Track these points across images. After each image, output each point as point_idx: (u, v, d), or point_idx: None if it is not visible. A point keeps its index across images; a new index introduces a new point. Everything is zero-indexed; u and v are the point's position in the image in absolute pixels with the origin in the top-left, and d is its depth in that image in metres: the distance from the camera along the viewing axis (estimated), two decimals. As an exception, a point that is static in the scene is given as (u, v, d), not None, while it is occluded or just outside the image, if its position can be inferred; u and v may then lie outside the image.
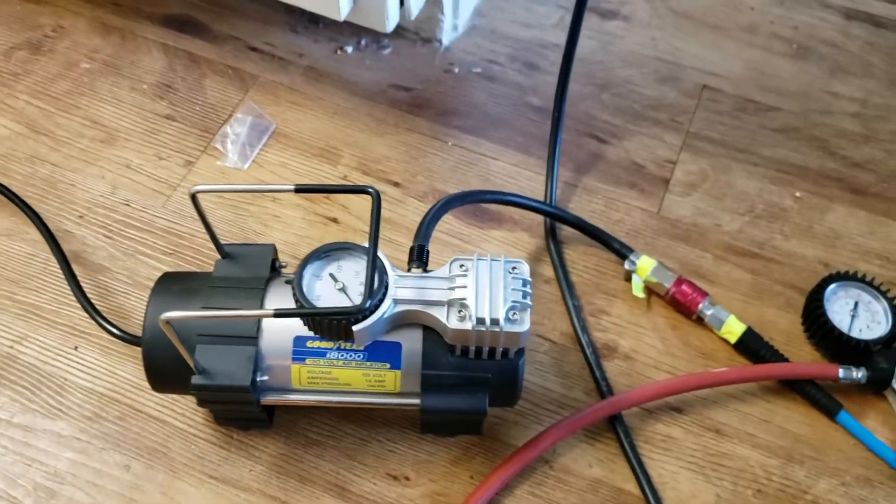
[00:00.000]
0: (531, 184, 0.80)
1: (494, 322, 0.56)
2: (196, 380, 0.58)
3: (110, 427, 0.67)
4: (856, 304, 0.70)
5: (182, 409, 0.68)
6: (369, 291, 0.52)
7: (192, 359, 0.57)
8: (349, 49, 0.88)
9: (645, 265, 0.73)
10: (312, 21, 0.89)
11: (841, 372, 0.67)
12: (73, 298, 0.71)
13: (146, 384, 0.68)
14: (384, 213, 0.76)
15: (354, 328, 0.56)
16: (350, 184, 0.55)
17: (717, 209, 0.79)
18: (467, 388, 0.60)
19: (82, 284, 0.73)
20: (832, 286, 0.70)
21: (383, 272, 0.57)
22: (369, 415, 0.68)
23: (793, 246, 0.77)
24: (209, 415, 0.67)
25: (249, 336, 0.59)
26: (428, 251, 0.62)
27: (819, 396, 0.68)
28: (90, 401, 0.68)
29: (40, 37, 0.88)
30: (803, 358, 0.71)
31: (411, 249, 0.62)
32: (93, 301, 0.71)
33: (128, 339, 0.67)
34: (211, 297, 0.60)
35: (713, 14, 0.92)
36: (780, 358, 0.70)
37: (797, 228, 0.78)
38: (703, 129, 0.84)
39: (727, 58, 0.88)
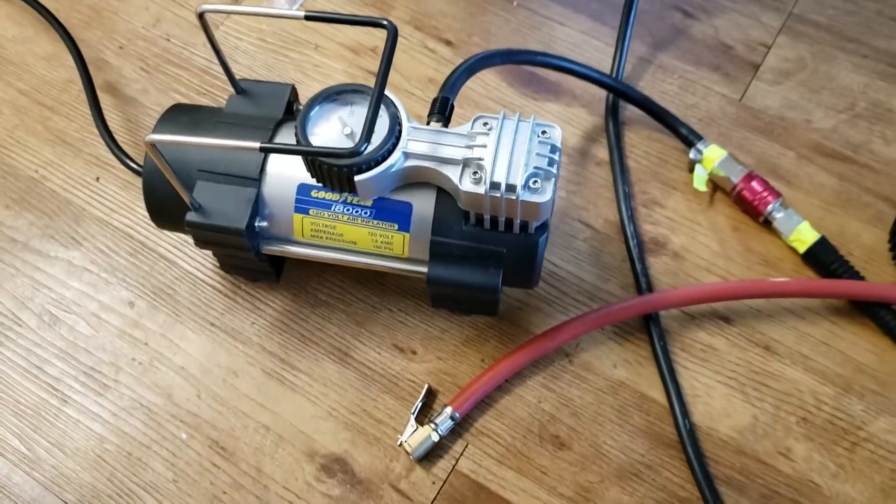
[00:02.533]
0: (599, 55, 0.71)
1: (511, 188, 0.50)
2: (191, 216, 0.54)
3: (120, 262, 0.65)
4: (956, 224, 0.60)
5: (193, 254, 0.65)
6: (367, 134, 0.46)
7: (188, 194, 0.53)
8: None
9: (713, 155, 0.64)
10: None
11: (923, 299, 0.58)
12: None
13: (159, 222, 0.66)
14: (430, 72, 0.69)
15: (357, 178, 0.50)
16: (364, 16, 0.48)
17: (811, 103, 0.68)
18: (480, 261, 0.54)
19: (112, 116, 0.70)
20: (931, 201, 0.60)
21: (396, 121, 0.51)
22: (383, 282, 0.63)
23: (893, 153, 0.66)
24: (220, 266, 0.64)
25: (251, 177, 0.55)
26: (453, 105, 0.55)
27: (891, 321, 0.59)
28: (105, 233, 0.66)
29: None
30: (884, 280, 0.62)
31: (433, 101, 0.55)
32: (119, 134, 0.68)
33: (140, 172, 0.64)
34: (214, 131, 0.55)
35: None
36: (856, 276, 0.61)
37: (903, 134, 0.67)
38: (810, 10, 0.72)
39: (854, -68, 0.76)
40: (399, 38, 0.72)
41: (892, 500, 0.55)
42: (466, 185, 0.50)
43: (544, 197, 0.50)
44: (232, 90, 0.58)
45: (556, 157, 0.51)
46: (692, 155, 0.65)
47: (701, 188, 0.65)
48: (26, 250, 0.66)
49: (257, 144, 0.46)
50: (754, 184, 0.63)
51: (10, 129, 0.70)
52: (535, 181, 0.50)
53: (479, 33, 0.73)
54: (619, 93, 0.67)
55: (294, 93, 0.58)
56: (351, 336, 0.62)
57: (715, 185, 0.65)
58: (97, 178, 0.68)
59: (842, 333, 0.60)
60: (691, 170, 0.66)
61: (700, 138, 0.65)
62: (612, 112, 0.68)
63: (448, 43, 0.72)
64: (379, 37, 0.72)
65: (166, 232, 0.66)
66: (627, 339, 0.61)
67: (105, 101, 0.71)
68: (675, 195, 0.66)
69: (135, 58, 0.73)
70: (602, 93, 0.69)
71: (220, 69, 0.71)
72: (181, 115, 0.58)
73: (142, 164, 0.65)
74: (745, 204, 0.63)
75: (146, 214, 0.66)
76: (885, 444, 0.57)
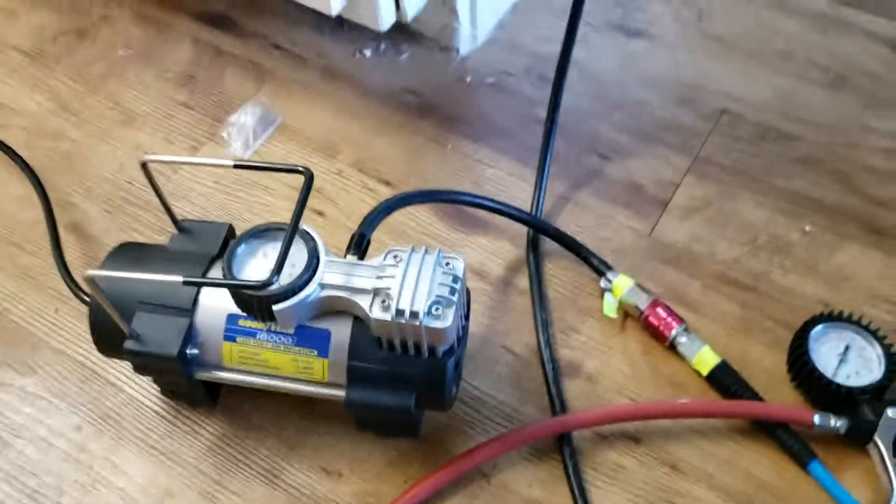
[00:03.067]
0: (523, 195, 0.77)
1: (414, 315, 0.54)
2: (128, 344, 0.59)
3: (72, 388, 0.69)
4: (847, 347, 0.64)
5: (140, 381, 0.69)
6: (277, 268, 0.51)
7: (126, 324, 0.58)
8: (367, 52, 0.89)
9: (621, 284, 0.69)
10: (337, 23, 0.90)
11: (817, 418, 0.62)
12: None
13: (106, 351, 0.70)
14: (367, 207, 0.75)
15: (275, 307, 0.55)
16: (285, 164, 0.55)
17: (716, 237, 0.74)
18: (394, 384, 0.58)
19: (73, 252, 0.76)
20: (821, 326, 0.65)
21: (314, 255, 0.57)
22: (312, 406, 0.67)
23: (792, 282, 0.71)
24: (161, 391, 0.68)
25: (184, 308, 0.60)
26: (369, 240, 0.61)
27: (791, 442, 0.62)
28: (59, 361, 0.71)
29: (87, 24, 0.93)
30: (784, 401, 0.66)
31: (351, 237, 0.61)
32: (77, 268, 0.74)
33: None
34: (155, 267, 0.61)
35: (747, 38, 0.87)
36: (754, 397, 0.65)
37: (800, 264, 0.72)
38: (716, 154, 0.79)
39: (754, 83, 0.84)
40: (342, 179, 0.80)
41: None
42: (376, 312, 0.55)
43: (445, 323, 0.55)
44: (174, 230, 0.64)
45: (457, 286, 0.56)
46: (603, 284, 0.70)
47: (611, 315, 0.70)
48: (-16, 378, 0.70)
49: (180, 279, 0.52)
50: (659, 309, 0.68)
51: (-21, 266, 0.76)
52: (437, 308, 0.55)
53: (417, 174, 0.80)
54: (537, 227, 0.73)
55: (231, 231, 0.64)
56: (281, 458, 0.65)
57: (626, 312, 0.70)
58: (56, 310, 0.73)
59: (745, 452, 0.64)
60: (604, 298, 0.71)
61: (610, 268, 0.71)
62: (533, 245, 0.74)
63: (387, 183, 0.79)
64: (325, 179, 0.79)
65: (116, 361, 0.70)
66: (542, 458, 0.64)
67: (69, 239, 0.77)
68: (590, 321, 0.71)
69: (99, 200, 0.80)
70: (525, 227, 0.75)
71: (179, 211, 0.79)
72: (127, 252, 0.64)
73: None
74: (652, 329, 0.68)
75: (98, 344, 0.72)
76: (786, 559, 0.59)
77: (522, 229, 0.75)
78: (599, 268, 0.71)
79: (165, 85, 0.87)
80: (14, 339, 0.72)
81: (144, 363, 0.60)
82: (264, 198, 0.79)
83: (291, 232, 0.53)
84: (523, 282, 0.73)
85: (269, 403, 0.67)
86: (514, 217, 0.72)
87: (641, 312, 0.68)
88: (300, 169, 0.55)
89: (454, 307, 0.55)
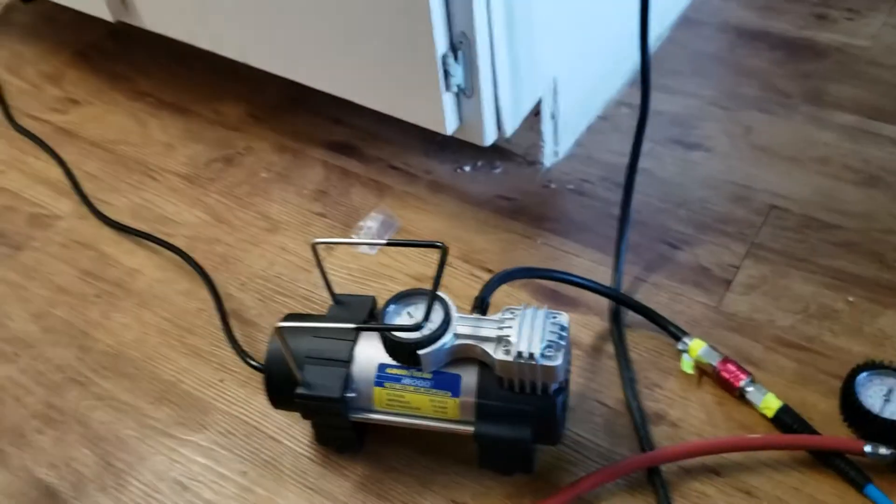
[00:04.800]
0: (605, 278, 0.92)
1: (531, 356, 0.69)
2: (300, 390, 0.74)
3: (237, 441, 0.84)
4: (889, 390, 0.76)
5: (295, 433, 0.83)
6: (426, 314, 0.67)
7: (300, 373, 0.73)
8: (467, 168, 1.07)
9: (695, 346, 0.83)
10: (442, 146, 1.09)
11: (868, 447, 0.73)
12: (225, 343, 0.90)
13: (270, 411, 0.85)
14: (474, 290, 0.91)
15: (420, 352, 0.70)
16: (424, 240, 0.71)
17: (773, 307, 0.88)
18: (514, 418, 0.72)
19: (236, 334, 0.92)
20: (865, 373, 0.77)
21: (448, 312, 0.72)
22: (441, 450, 0.80)
23: (841, 342, 0.84)
24: (314, 440, 0.82)
25: (343, 360, 0.75)
26: (488, 303, 0.76)
27: (847, 469, 0.73)
28: (226, 420, 0.85)
29: (233, 153, 1.14)
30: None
31: (474, 299, 0.76)
32: (240, 345, 0.90)
33: (259, 368, 0.85)
34: (319, 330, 0.77)
35: (789, 147, 1.03)
36: (813, 433, 0.76)
37: (847, 328, 0.85)
38: (768, 240, 0.94)
39: (797, 183, 0.99)
40: (451, 268, 0.96)
41: None
42: (499, 355, 0.70)
43: (556, 362, 0.69)
44: (331, 302, 0.80)
45: (564, 333, 0.70)
46: (680, 346, 0.84)
47: (688, 371, 0.83)
48: (163, 435, 0.85)
49: (352, 325, 0.67)
50: (729, 365, 0.81)
51: (154, 346, 0.93)
52: (549, 350, 0.69)
53: (513, 263, 0.95)
54: (619, 300, 0.87)
55: (374, 303, 0.80)
56: (416, 494, 0.78)
57: (700, 370, 0.83)
58: (221, 380, 0.89)
59: (809, 480, 0.75)
60: (681, 359, 0.84)
61: (686, 333, 0.84)
62: (615, 317, 0.88)
63: (489, 270, 0.95)
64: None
65: (273, 418, 0.85)
66: (635, 490, 0.76)
67: (230, 324, 0.93)
68: (671, 379, 0.84)
69: (253, 291, 0.97)
70: (607, 303, 0.90)
71: (318, 296, 0.95)
72: (296, 318, 0.80)
73: (259, 363, 0.86)
74: (723, 382, 0.81)
75: (259, 405, 0.86)
76: (852, 567, 0.69)
77: (605, 306, 0.90)
78: (676, 333, 0.85)
79: (302, 199, 1.06)
80: (186, 404, 0.87)
81: (311, 406, 0.75)
82: (390, 286, 0.95)
83: (433, 292, 0.69)
84: (610, 348, 0.87)
85: (403, 448, 0.81)
86: (600, 291, 0.87)
87: (714, 368, 0.81)
88: (438, 244, 0.72)
89: (563, 350, 0.70)
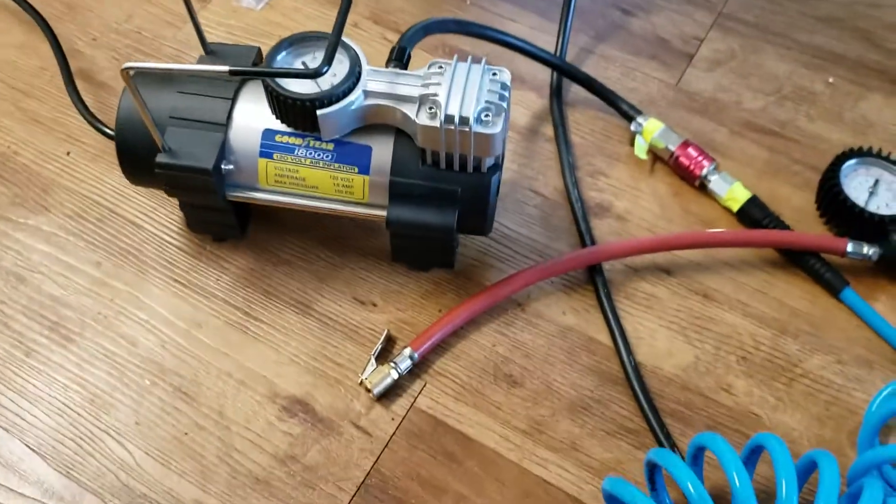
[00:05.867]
0: (547, 47, 0.76)
1: (464, 121, 0.53)
2: (161, 157, 0.57)
3: (88, 226, 0.67)
4: (876, 181, 0.65)
5: (160, 217, 0.67)
6: (328, 57, 0.50)
7: (160, 136, 0.56)
8: None
9: (652, 127, 0.69)
10: None
11: (850, 246, 0.62)
12: (72, 109, 0.71)
13: (129, 191, 0.68)
14: (384, 59, 0.74)
15: (319, 113, 0.54)
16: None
17: (741, 87, 0.74)
18: (436, 201, 0.58)
19: (84, 99, 0.73)
20: (851, 161, 0.65)
21: (356, 63, 0.55)
22: (344, 242, 0.66)
23: (818, 128, 0.72)
24: (185, 225, 0.66)
25: (218, 122, 0.58)
26: (409, 55, 0.60)
27: (823, 271, 0.63)
28: (73, 200, 0.68)
29: None
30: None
31: (391, 50, 0.60)
32: (91, 110, 0.72)
33: (112, 135, 0.67)
34: (185, 83, 0.59)
35: None
36: (785, 229, 0.65)
37: (825, 112, 0.73)
38: (738, 10, 0.79)
39: (775, -56, 0.84)
40: (358, 30, 0.78)
41: (826, 428, 0.58)
42: (423, 119, 0.54)
43: (495, 129, 0.54)
44: (202, 51, 0.62)
45: (506, 93, 0.55)
46: (633, 128, 0.70)
47: (642, 156, 0.69)
48: (-5, 218, 0.68)
49: (227, 68, 0.50)
50: (690, 150, 0.68)
51: (-17, 111, 0.73)
52: (487, 115, 0.54)
53: (435, 28, 0.78)
54: (564, 71, 0.72)
55: (259, 55, 0.62)
56: (312, 290, 0.64)
57: (655, 156, 0.70)
58: (68, 153, 0.71)
59: (776, 283, 0.64)
60: (632, 143, 0.71)
61: (640, 112, 0.70)
62: (557, 92, 0.73)
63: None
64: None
65: (135, 199, 0.68)
66: (575, 290, 0.64)
67: (78, 86, 0.74)
68: (619, 166, 0.70)
69: (107, 48, 0.77)
70: (549, 79, 0.74)
71: (188, 57, 0.76)
72: (154, 73, 0.61)
73: (113, 130, 0.68)
74: (683, 170, 0.68)
75: (115, 183, 0.69)
76: (820, 378, 0.60)
77: (546, 80, 0.75)
78: (629, 112, 0.70)
79: (171, -63, 0.84)
80: (24, 181, 0.69)
81: (177, 179, 0.58)
82: (281, 47, 0.77)
83: (337, 33, 0.51)
84: (549, 131, 0.72)
85: (297, 239, 0.66)
86: (541, 59, 0.71)
87: (672, 153, 0.68)
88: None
89: (504, 114, 0.55)
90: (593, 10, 0.79)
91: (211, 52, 0.62)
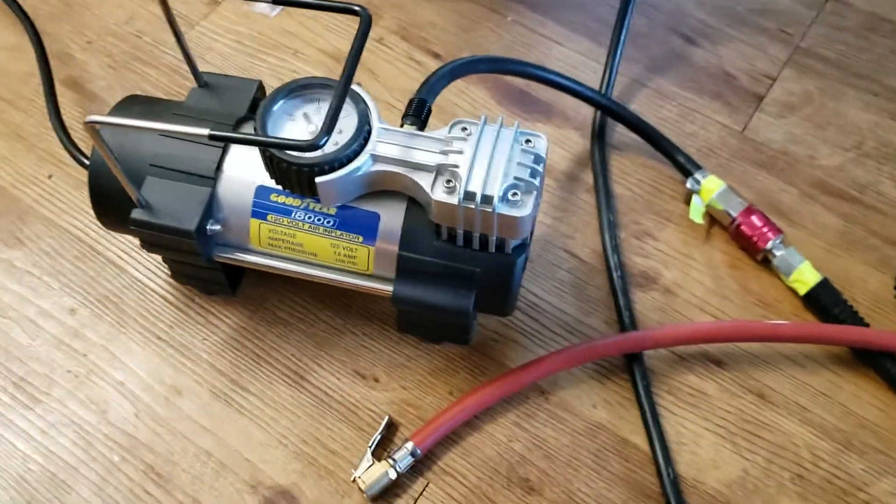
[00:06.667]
0: (595, 76, 0.67)
1: (487, 200, 0.45)
2: (137, 214, 0.49)
3: (66, 266, 0.60)
4: (970, 272, 0.55)
5: (145, 261, 0.60)
6: (328, 126, 0.41)
7: (135, 190, 0.48)
8: None
9: (711, 186, 0.60)
10: None
11: (934, 350, 0.53)
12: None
13: (112, 225, 0.61)
14: (414, 85, 0.64)
15: (318, 180, 0.46)
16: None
17: (816, 139, 0.64)
18: (451, 281, 0.49)
19: (71, 112, 0.66)
20: (943, 245, 0.56)
21: (365, 120, 0.47)
22: (349, 302, 0.58)
23: (904, 195, 0.62)
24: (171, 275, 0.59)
25: (206, 176, 0.50)
26: (430, 109, 0.51)
27: (899, 375, 0.54)
28: (51, 234, 0.61)
29: None
30: (890, 328, 0.57)
31: (409, 102, 0.51)
32: (76, 130, 0.64)
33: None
34: (170, 122, 0.51)
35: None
36: (859, 322, 0.56)
37: (914, 176, 0.63)
38: (818, 45, 0.69)
39: (866, -33, 0.73)
40: (383, 48, 0.69)
41: (893, 572, 0.50)
42: (439, 194, 0.46)
43: (524, 211, 0.45)
44: (195, 83, 0.53)
45: (539, 168, 0.46)
46: (689, 185, 0.61)
47: (698, 220, 0.60)
48: (-36, 248, 0.61)
49: (206, 131, 0.42)
50: (754, 218, 0.58)
51: (-38, 121, 0.66)
52: (515, 193, 0.45)
53: (470, 48, 0.69)
54: (609, 111, 0.63)
55: (261, 89, 0.54)
56: (309, 359, 0.56)
57: (712, 218, 0.61)
58: (49, 176, 0.63)
59: (843, 385, 0.55)
60: (687, 201, 0.61)
61: (698, 167, 0.61)
62: (599, 134, 0.64)
63: (436, 55, 0.68)
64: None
65: (118, 236, 0.61)
66: (610, 378, 0.56)
67: (66, 96, 0.66)
68: (669, 227, 0.61)
69: (102, 54, 0.69)
70: (595, 118, 0.65)
71: (186, 74, 0.68)
72: (136, 106, 0.53)
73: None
74: (744, 240, 0.59)
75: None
76: (888, 508, 0.52)
77: (590, 118, 0.65)
78: (686, 166, 0.61)
79: (182, -74, 0.76)
80: (1, 206, 0.62)
81: (155, 239, 0.50)
82: (293, 62, 0.68)
83: (344, 83, 0.43)
84: (590, 178, 0.63)
85: (297, 296, 0.58)
86: (585, 97, 0.61)
87: (733, 220, 0.59)
88: (355, 8, 0.45)
89: (534, 193, 0.46)
90: (651, 35, 0.69)
91: (205, 84, 0.53)
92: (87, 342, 0.57)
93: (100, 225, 0.60)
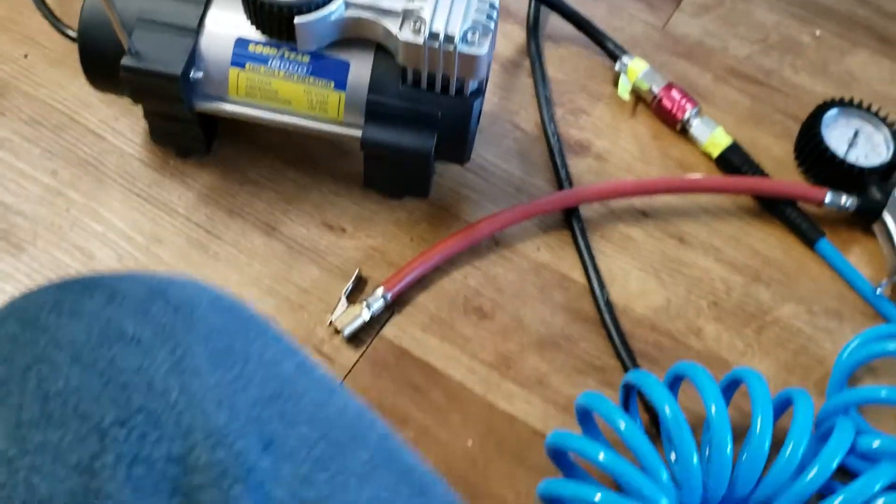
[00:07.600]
0: (533, -21, 0.74)
1: (449, 39, 0.51)
2: (126, 60, 0.54)
3: (45, 133, 0.64)
4: (856, 132, 0.64)
5: (122, 128, 0.64)
6: (312, -41, 0.47)
7: (127, 36, 0.53)
8: None
9: (636, 67, 0.67)
10: None
11: (829, 195, 0.62)
12: (31, 6, 0.67)
13: (91, 99, 0.65)
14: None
15: (297, 20, 0.51)
16: None
17: (728, 34, 0.73)
18: (415, 124, 0.55)
19: (47, -1, 0.70)
20: (832, 111, 0.64)
21: (340, -29, 0.53)
22: (315, 163, 0.64)
23: (802, 80, 0.71)
24: (149, 139, 0.63)
25: (189, 27, 0.55)
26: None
27: (799, 221, 0.62)
28: (30, 105, 0.65)
29: None
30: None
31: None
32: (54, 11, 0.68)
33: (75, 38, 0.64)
34: (157, -17, 0.56)
35: None
36: (763, 176, 0.64)
37: (810, 64, 0.72)
38: (729, -44, 0.78)
39: None
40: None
41: (794, 376, 0.58)
42: (406, 35, 0.52)
43: (481, 50, 0.52)
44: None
45: (493, 14, 0.53)
46: (617, 67, 0.68)
47: (625, 97, 0.68)
48: (-56, 119, 0.64)
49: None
50: (674, 92, 0.66)
51: (-66, 7, 0.69)
52: (473, 34, 0.52)
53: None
54: (547, 2, 0.70)
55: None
56: (279, 212, 0.62)
57: (638, 97, 0.69)
58: (25, 55, 0.67)
59: (752, 230, 0.63)
60: (616, 83, 0.69)
61: (625, 52, 0.69)
62: (534, 24, 0.71)
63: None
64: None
65: (96, 109, 0.65)
66: (551, 228, 0.63)
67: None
68: (600, 105, 0.69)
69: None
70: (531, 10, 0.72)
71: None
72: (122, -30, 0.58)
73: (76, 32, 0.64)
74: (665, 112, 0.67)
75: (76, 90, 0.66)
76: (790, 327, 0.60)
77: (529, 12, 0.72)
78: (615, 52, 0.69)
79: None
80: (-23, 83, 0.66)
81: (143, 85, 0.55)
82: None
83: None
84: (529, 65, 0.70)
85: (266, 157, 0.64)
86: (529, -10, 0.69)
87: (655, 95, 0.67)
88: None
89: (490, 35, 0.52)
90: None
91: (184, -48, 0.58)
92: (68, 199, 0.61)
93: (78, 98, 0.65)
